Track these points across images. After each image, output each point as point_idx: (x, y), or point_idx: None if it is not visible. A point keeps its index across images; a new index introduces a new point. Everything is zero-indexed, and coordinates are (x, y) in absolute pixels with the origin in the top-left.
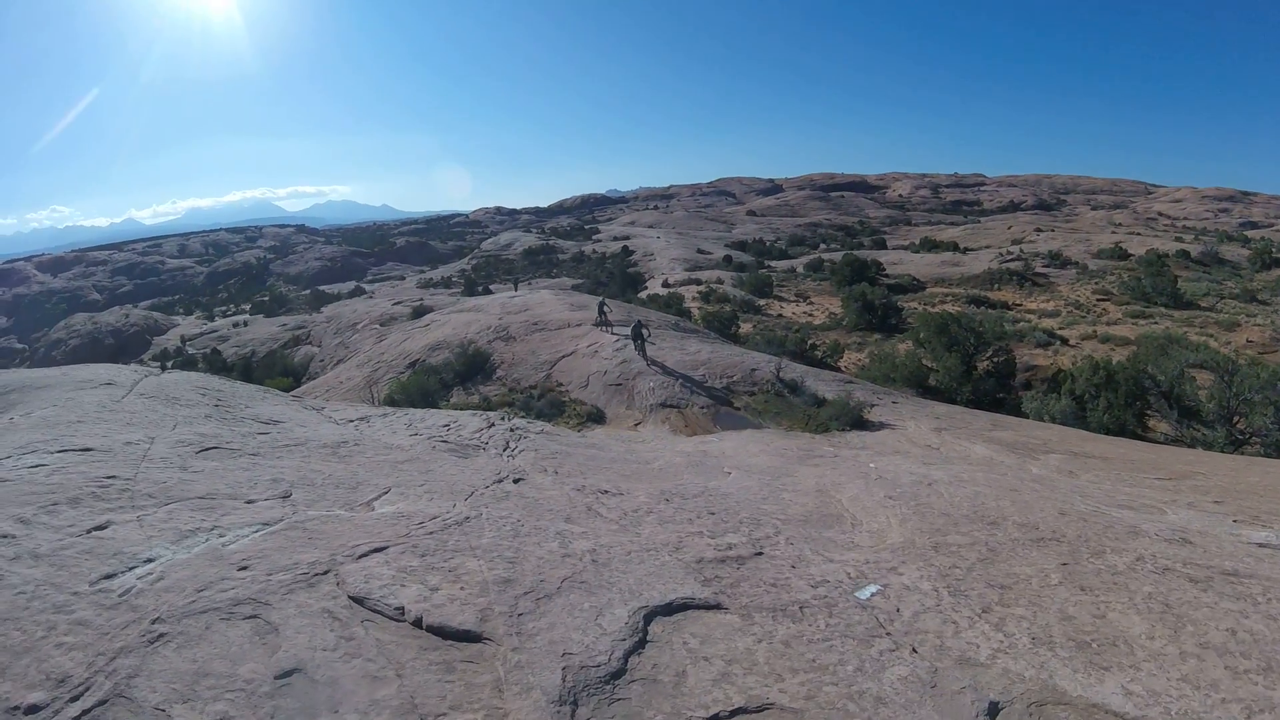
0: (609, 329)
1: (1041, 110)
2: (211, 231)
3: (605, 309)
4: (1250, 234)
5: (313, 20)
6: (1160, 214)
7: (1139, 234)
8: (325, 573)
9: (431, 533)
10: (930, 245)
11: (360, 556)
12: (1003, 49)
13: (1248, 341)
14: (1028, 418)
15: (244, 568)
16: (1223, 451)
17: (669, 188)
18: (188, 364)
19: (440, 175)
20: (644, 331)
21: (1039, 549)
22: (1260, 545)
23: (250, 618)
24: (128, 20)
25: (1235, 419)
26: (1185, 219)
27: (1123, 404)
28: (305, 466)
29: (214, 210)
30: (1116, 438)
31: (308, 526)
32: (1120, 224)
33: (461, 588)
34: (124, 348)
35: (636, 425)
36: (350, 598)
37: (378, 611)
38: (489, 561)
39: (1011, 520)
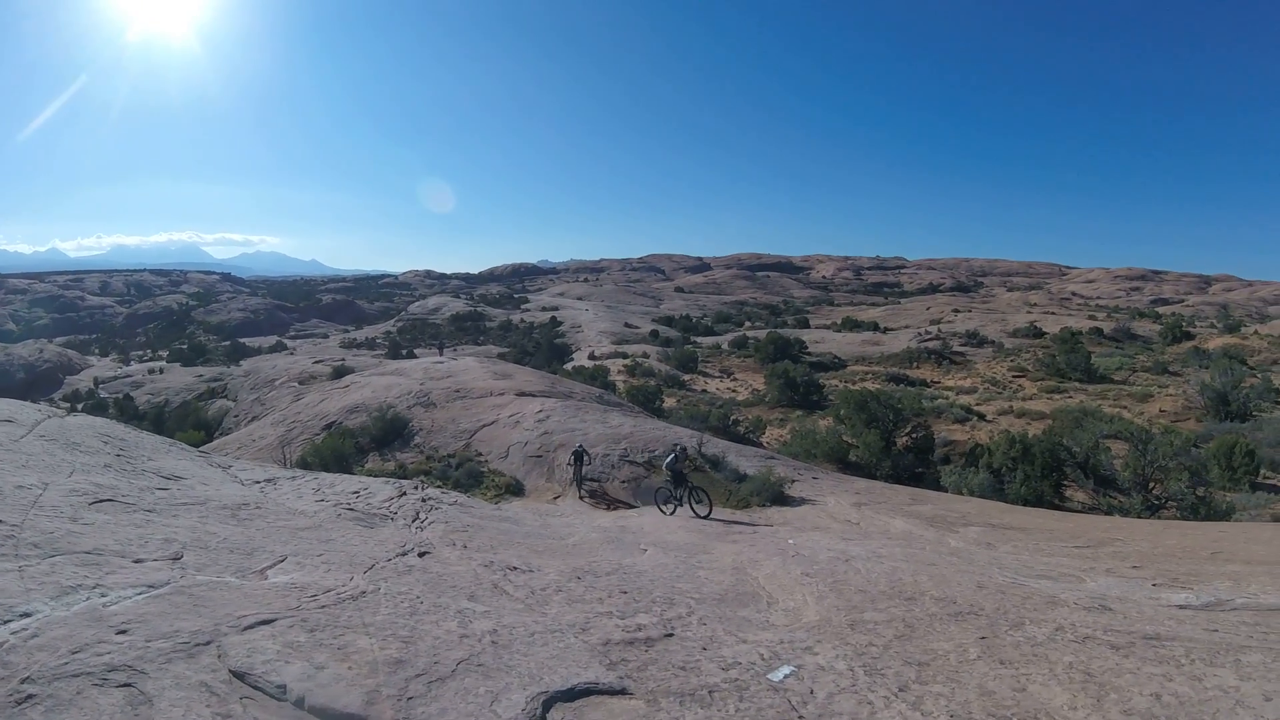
0: (581, 484)
1: (961, 197)
2: (135, 271)
3: (585, 459)
4: (1161, 310)
5: (254, 68)
6: (1074, 294)
7: (1054, 313)
8: (207, 643)
9: (324, 606)
10: (852, 325)
11: (246, 628)
12: (924, 139)
13: (1161, 411)
14: (947, 491)
15: (123, 631)
16: (1140, 517)
17: (600, 261)
18: (99, 408)
19: (371, 235)
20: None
21: (957, 623)
22: (1180, 607)
23: (124, 685)
24: (76, 50)
25: (1151, 485)
26: (1098, 298)
27: (1039, 475)
28: (201, 527)
29: (139, 249)
30: (1034, 508)
31: (194, 592)
32: (1035, 304)
33: (349, 667)
34: (35, 384)
35: (556, 498)
36: (231, 672)
37: (258, 688)
38: (381, 640)
39: (929, 595)
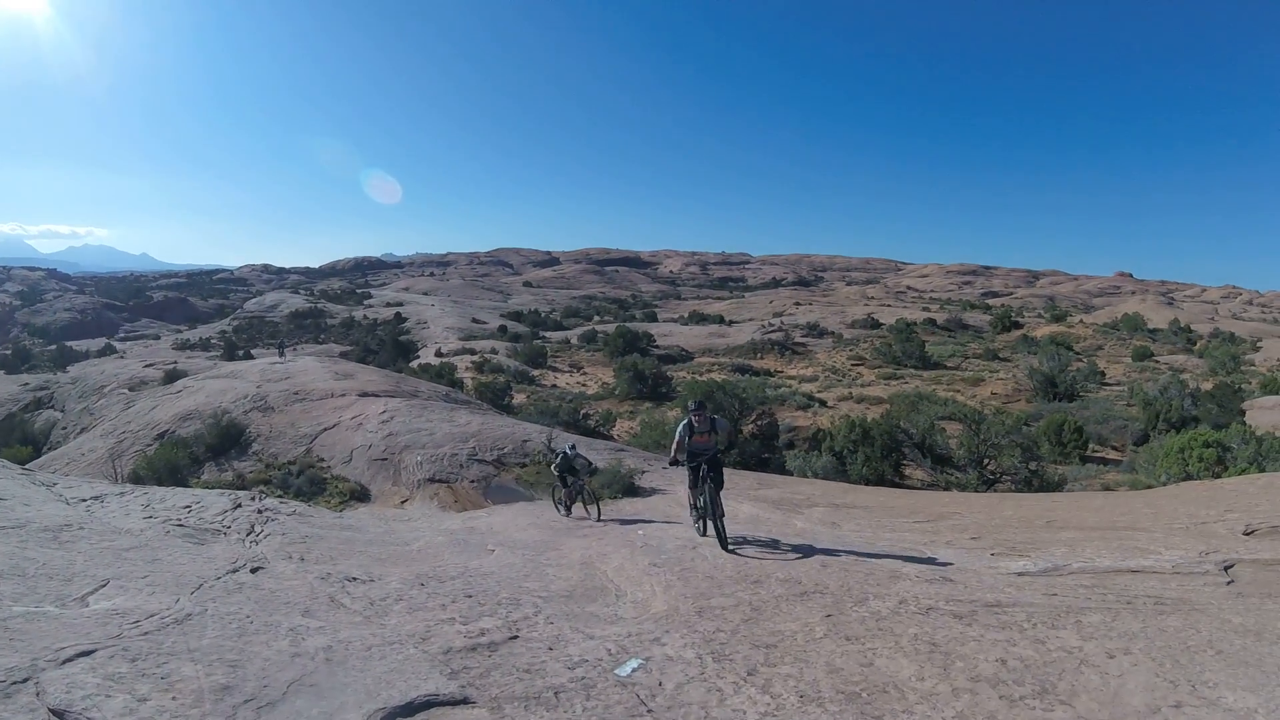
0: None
1: (802, 197)
2: None
3: (583, 464)
4: (992, 302)
5: (79, 42)
6: (909, 288)
7: (890, 306)
8: (25, 680)
9: (146, 633)
10: (698, 318)
11: (65, 661)
12: (764, 141)
13: (993, 394)
14: (792, 475)
15: None
16: (977, 491)
17: (446, 255)
18: None
19: (206, 226)
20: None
21: (802, 603)
22: (1019, 574)
23: None
24: None
25: (985, 462)
26: (932, 291)
27: (879, 456)
28: (20, 553)
29: None
30: (876, 487)
31: (10, 625)
32: (873, 297)
33: (174, 697)
34: None
35: (404, 502)
36: (50, 711)
37: None
38: (207, 666)
39: (775, 577)
